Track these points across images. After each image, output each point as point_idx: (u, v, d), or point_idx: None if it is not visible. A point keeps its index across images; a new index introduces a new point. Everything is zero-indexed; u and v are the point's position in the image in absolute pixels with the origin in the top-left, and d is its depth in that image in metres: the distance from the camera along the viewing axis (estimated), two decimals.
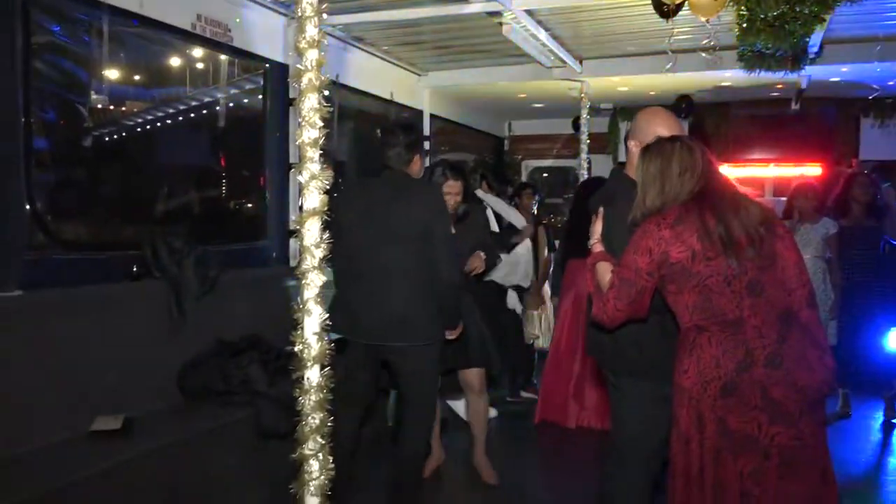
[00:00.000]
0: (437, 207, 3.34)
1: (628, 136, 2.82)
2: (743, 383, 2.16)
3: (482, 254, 4.01)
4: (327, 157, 2.58)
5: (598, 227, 2.63)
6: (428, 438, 3.61)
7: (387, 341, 3.30)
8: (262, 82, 4.98)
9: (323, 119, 2.48)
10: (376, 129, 6.65)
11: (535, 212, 6.05)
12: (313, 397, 2.43)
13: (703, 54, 4.57)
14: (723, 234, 2.21)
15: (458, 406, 5.03)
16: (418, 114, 7.04)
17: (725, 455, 2.19)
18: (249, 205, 5.24)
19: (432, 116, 7.23)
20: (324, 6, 2.47)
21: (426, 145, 7.06)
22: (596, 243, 2.60)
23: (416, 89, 6.95)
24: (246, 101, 5.17)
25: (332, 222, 3.62)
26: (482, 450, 4.21)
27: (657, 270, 2.27)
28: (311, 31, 2.44)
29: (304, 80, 2.44)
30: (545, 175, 9.60)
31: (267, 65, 4.90)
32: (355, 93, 5.94)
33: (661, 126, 2.68)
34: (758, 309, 2.18)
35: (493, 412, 5.17)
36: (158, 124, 4.59)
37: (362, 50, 5.93)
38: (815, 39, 4.93)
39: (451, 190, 3.93)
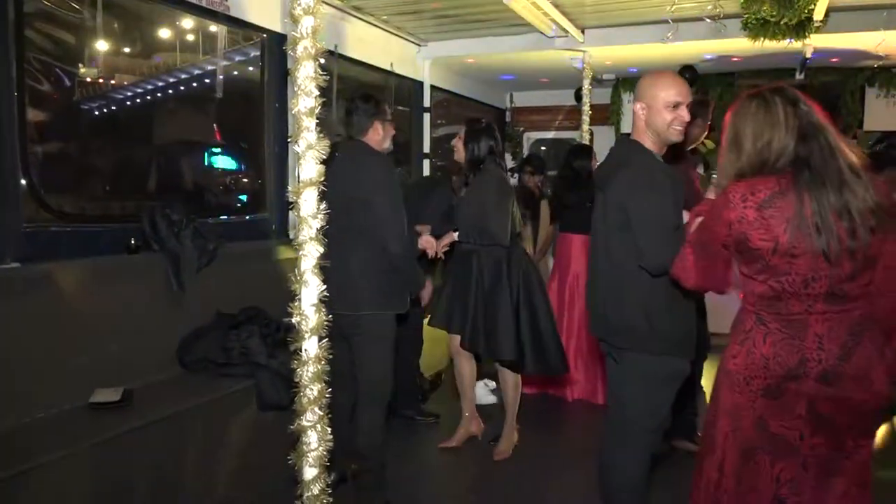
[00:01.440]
0: (379, 178, 3.34)
1: (634, 99, 2.78)
2: (789, 392, 1.99)
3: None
4: (324, 127, 2.56)
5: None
6: (380, 423, 3.47)
7: (335, 309, 3.17)
8: (259, 52, 4.92)
9: (319, 88, 2.45)
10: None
11: (538, 189, 6.02)
12: (311, 368, 2.43)
13: (708, 20, 4.49)
14: (819, 224, 1.91)
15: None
16: (418, 85, 6.96)
17: (762, 456, 2.05)
18: (248, 177, 5.21)
19: (433, 88, 7.16)
20: None
21: (425, 117, 7.02)
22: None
23: (416, 60, 6.87)
24: (244, 71, 5.11)
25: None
26: (511, 420, 4.29)
27: (733, 246, 2.04)
28: None
29: (300, 48, 2.40)
30: (542, 148, 9.51)
31: (265, 35, 4.83)
32: (354, 63, 5.86)
33: (664, 88, 2.64)
34: (828, 317, 1.96)
35: (492, 398, 5.19)
36: (156, 96, 4.56)
37: (361, 20, 5.85)
38: (820, 7, 4.85)
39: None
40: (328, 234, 3.36)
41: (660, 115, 2.64)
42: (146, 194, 4.24)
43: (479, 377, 5.14)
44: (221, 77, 4.75)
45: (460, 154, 4.18)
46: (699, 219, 2.25)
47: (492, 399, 5.20)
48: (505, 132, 9.46)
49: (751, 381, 2.04)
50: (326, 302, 3.34)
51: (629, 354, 2.68)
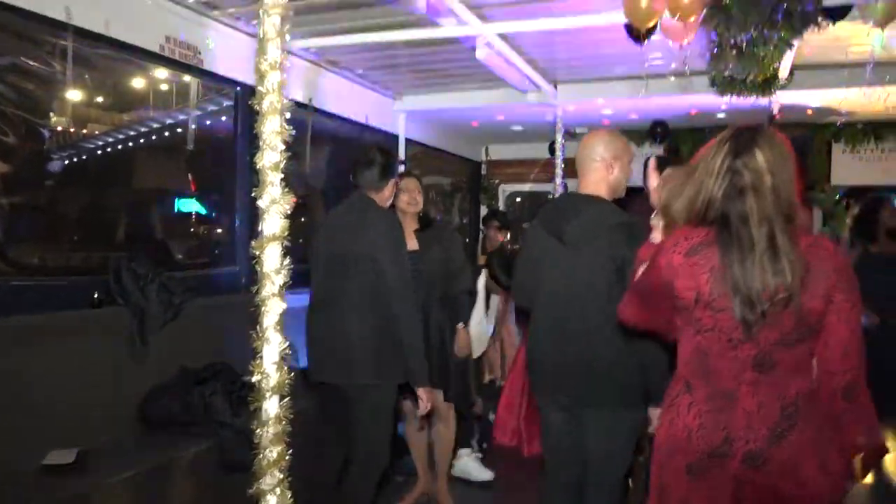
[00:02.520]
0: (386, 235, 3.23)
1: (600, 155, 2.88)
2: (713, 470, 1.80)
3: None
4: (291, 180, 2.53)
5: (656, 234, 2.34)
6: (370, 494, 3.35)
7: (332, 378, 3.23)
8: (233, 105, 4.92)
9: (291, 140, 2.43)
10: (350, 153, 6.63)
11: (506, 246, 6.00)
12: (271, 429, 2.34)
13: (672, 78, 4.57)
14: (739, 284, 1.75)
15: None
16: (393, 138, 7.00)
17: None
18: (218, 230, 5.15)
19: (407, 141, 7.19)
20: (286, 28, 2.40)
21: (401, 169, 7.03)
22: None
23: (391, 113, 6.91)
24: (216, 123, 5.10)
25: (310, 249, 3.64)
26: (443, 479, 4.12)
27: (669, 296, 1.89)
28: (274, 52, 2.38)
29: (266, 102, 2.38)
30: (517, 200, 9.57)
31: (238, 88, 4.84)
32: (329, 116, 5.88)
33: (598, 147, 2.81)
34: (758, 390, 1.77)
35: (487, 474, 4.88)
36: (125, 147, 4.52)
37: (336, 73, 5.89)
38: (785, 65, 4.96)
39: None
40: (323, 293, 3.31)
41: (625, 171, 2.69)
42: (113, 247, 4.17)
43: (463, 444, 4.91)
44: (193, 128, 4.74)
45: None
46: (644, 264, 2.13)
47: (487, 476, 4.86)
48: (481, 185, 9.51)
49: (673, 455, 1.86)
50: (319, 369, 3.29)
51: (622, 410, 2.72)
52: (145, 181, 4.73)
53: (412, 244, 3.90)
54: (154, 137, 4.75)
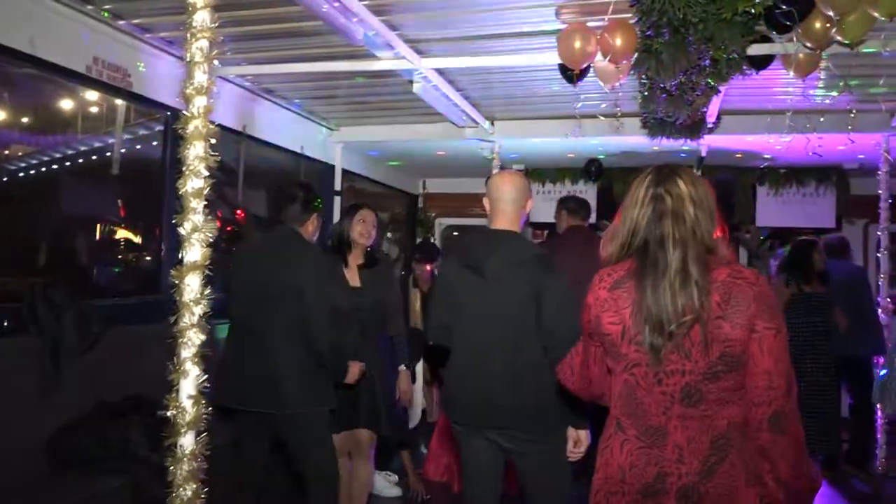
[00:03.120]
0: (314, 269, 3.31)
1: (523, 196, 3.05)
2: None
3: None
4: (223, 208, 2.48)
5: None
6: None
7: (260, 406, 3.26)
8: (162, 130, 4.80)
9: (210, 169, 2.37)
10: (283, 183, 6.54)
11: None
12: (186, 466, 2.24)
13: (602, 117, 4.68)
14: (650, 316, 1.77)
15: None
16: (329, 168, 6.94)
17: None
18: (144, 257, 4.98)
19: (344, 172, 7.15)
20: (215, 52, 2.36)
21: (336, 201, 6.98)
22: None
23: (328, 144, 6.87)
24: (145, 148, 4.96)
25: (229, 278, 3.56)
26: None
27: (596, 334, 1.89)
28: (200, 77, 2.33)
29: (191, 126, 2.32)
30: (455, 233, 9.60)
31: (168, 112, 4.72)
32: (263, 144, 5.80)
33: (513, 189, 2.94)
34: (687, 424, 1.75)
35: (396, 490, 5.04)
36: (46, 170, 4.35)
37: (272, 102, 5.83)
38: (713, 110, 5.14)
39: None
40: (245, 322, 3.28)
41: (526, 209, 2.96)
42: (30, 273, 3.98)
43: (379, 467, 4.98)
44: (120, 152, 4.60)
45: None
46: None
47: (395, 492, 5.01)
48: (417, 218, 9.51)
49: (610, 498, 1.82)
50: (240, 397, 3.23)
51: (557, 438, 2.80)
52: (68, 206, 4.55)
53: (354, 280, 3.87)
54: (79, 161, 4.58)
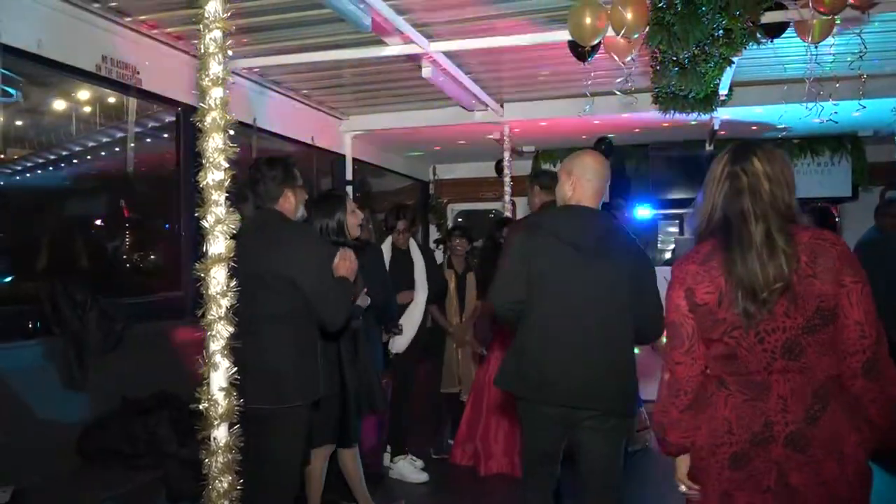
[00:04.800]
0: (305, 252, 3.00)
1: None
2: (757, 458, 1.86)
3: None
4: (236, 200, 2.45)
5: None
6: None
7: (255, 402, 2.84)
8: (175, 125, 4.80)
9: (233, 161, 2.36)
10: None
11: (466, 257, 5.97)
12: (220, 458, 2.25)
13: (618, 92, 4.63)
14: (742, 284, 1.87)
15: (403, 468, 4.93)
16: (341, 158, 6.93)
17: None
18: (162, 254, 5.00)
19: (355, 161, 7.13)
20: (228, 42, 2.35)
21: (349, 190, 6.97)
22: None
23: (338, 133, 6.85)
24: (157, 145, 4.97)
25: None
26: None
27: (692, 308, 1.97)
28: (215, 68, 2.32)
29: (208, 119, 2.31)
30: (460, 219, 9.58)
31: (179, 108, 4.72)
32: (274, 136, 5.79)
33: (601, 166, 2.96)
34: (790, 376, 1.86)
35: (424, 476, 5.02)
36: (60, 170, 4.36)
37: (281, 94, 5.82)
38: (725, 81, 5.08)
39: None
40: (241, 319, 3.13)
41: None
42: (48, 273, 4.00)
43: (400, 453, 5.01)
44: (132, 149, 4.60)
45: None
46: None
47: (423, 477, 5.00)
48: (429, 204, 9.50)
49: (717, 450, 1.92)
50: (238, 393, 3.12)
51: (523, 403, 2.89)
52: (83, 206, 4.56)
53: None
54: (91, 159, 4.59)
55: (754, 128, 7.14)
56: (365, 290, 3.65)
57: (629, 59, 4.14)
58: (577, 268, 2.78)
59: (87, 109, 4.48)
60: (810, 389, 1.86)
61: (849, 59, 4.37)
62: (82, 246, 4.43)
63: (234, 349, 3.03)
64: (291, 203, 3.16)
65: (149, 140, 4.88)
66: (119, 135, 4.63)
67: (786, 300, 1.86)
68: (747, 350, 1.89)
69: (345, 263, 3.15)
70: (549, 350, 2.79)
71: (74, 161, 4.50)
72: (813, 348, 1.86)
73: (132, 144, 4.63)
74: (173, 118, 4.78)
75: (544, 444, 2.89)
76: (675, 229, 8.36)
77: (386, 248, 5.14)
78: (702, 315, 1.96)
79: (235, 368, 2.32)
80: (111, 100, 4.49)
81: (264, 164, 3.19)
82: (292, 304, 2.95)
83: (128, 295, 4.36)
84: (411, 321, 5.07)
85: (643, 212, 8.27)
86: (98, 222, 4.63)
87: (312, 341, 3.06)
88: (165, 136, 4.86)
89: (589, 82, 5.05)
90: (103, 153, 4.66)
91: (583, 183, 2.91)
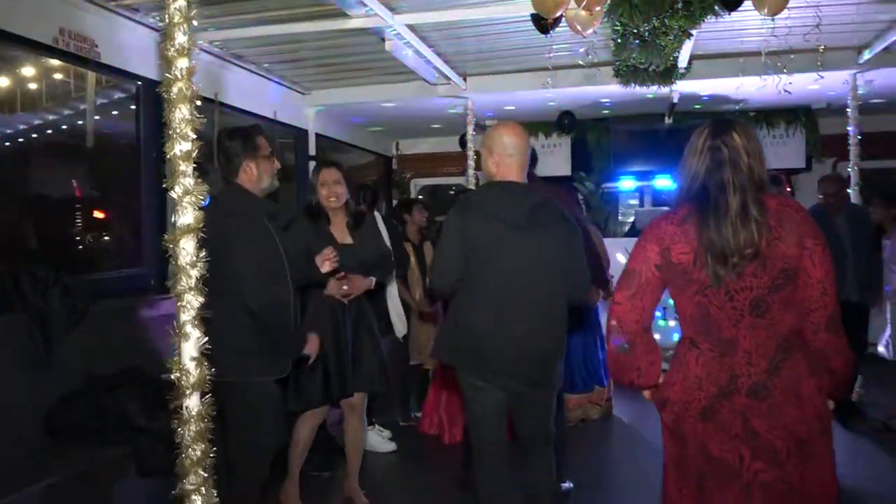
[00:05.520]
0: (237, 224, 2.93)
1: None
2: (723, 409, 2.03)
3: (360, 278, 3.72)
4: (206, 178, 2.43)
5: None
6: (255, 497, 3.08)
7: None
8: (134, 99, 4.73)
9: (196, 131, 2.35)
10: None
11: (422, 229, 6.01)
12: (193, 427, 2.27)
13: (581, 62, 4.69)
14: (713, 248, 2.01)
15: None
16: (303, 133, 6.89)
17: (709, 483, 2.05)
18: (123, 230, 4.95)
19: (318, 136, 7.10)
20: (192, 13, 2.33)
21: (311, 166, 6.94)
22: None
23: (300, 108, 6.80)
24: (117, 120, 4.89)
25: None
26: (355, 476, 4.01)
27: (663, 265, 2.10)
28: (181, 38, 2.30)
29: (174, 89, 2.29)
30: (421, 196, 9.59)
31: (139, 82, 4.65)
32: (235, 111, 5.73)
33: (522, 140, 2.97)
34: (756, 332, 2.01)
35: (391, 445, 5.09)
36: (17, 145, 4.28)
37: (242, 67, 5.75)
38: (684, 55, 5.16)
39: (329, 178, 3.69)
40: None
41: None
42: (8, 250, 3.94)
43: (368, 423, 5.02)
44: (92, 125, 4.53)
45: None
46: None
47: (390, 447, 5.08)
48: (392, 179, 9.50)
49: (689, 405, 2.08)
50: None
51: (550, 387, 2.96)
52: (42, 180, 4.48)
53: (345, 238, 3.74)
54: (50, 134, 4.51)
55: (712, 100, 7.26)
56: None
57: (591, 32, 4.19)
58: (510, 243, 2.84)
59: (44, 83, 4.39)
60: (774, 343, 2.01)
61: (804, 31, 4.48)
62: (43, 222, 4.36)
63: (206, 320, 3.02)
64: (253, 174, 3.08)
65: (109, 116, 4.80)
66: (80, 113, 4.55)
67: (754, 262, 2.00)
68: (718, 307, 2.03)
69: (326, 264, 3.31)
70: (484, 323, 2.85)
71: (34, 136, 4.41)
72: (777, 305, 2.01)
73: (91, 122, 4.56)
74: (133, 94, 4.71)
75: (485, 414, 2.96)
76: (635, 201, 8.47)
77: None
78: (676, 273, 2.09)
79: (206, 339, 2.33)
80: (74, 74, 4.40)
81: (224, 135, 3.14)
82: (228, 276, 2.84)
83: (90, 271, 4.32)
84: (393, 301, 5.10)
85: (663, 181, 8.27)
86: (58, 198, 4.55)
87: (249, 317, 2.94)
88: (125, 113, 4.78)
89: (551, 55, 5.09)
90: (63, 127, 4.58)
91: (505, 160, 2.94)
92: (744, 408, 2.01)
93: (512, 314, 2.83)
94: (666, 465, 2.20)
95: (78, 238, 4.65)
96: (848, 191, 5.75)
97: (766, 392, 1.99)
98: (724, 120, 2.17)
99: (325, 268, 3.33)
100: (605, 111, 7.88)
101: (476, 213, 2.90)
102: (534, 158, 4.46)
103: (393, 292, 5.06)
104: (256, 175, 3.09)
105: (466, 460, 4.19)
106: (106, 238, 4.93)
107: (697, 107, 7.50)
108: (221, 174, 3.17)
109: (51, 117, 4.45)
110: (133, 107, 4.78)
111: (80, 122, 4.57)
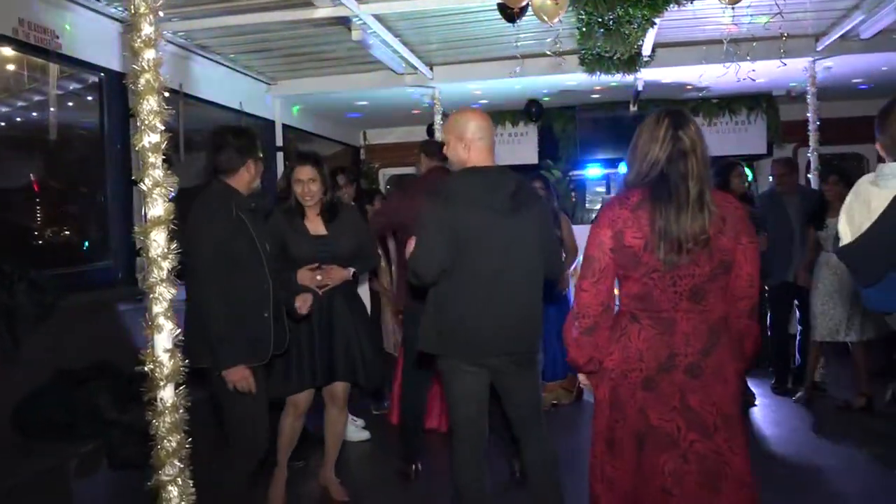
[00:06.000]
0: (197, 223, 2.98)
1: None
2: (663, 382, 2.21)
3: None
4: (173, 170, 2.42)
5: None
6: (236, 482, 3.14)
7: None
8: (97, 91, 4.66)
9: (164, 122, 2.34)
10: (215, 131, 6.42)
11: None
12: (168, 419, 2.27)
13: (547, 51, 4.73)
14: (662, 233, 2.16)
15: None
16: (269, 124, 6.85)
17: (649, 447, 2.22)
18: (89, 224, 4.88)
19: (284, 127, 7.06)
20: (158, 3, 2.32)
21: (278, 157, 6.91)
22: None
23: (267, 99, 6.76)
24: (81, 112, 4.82)
25: None
26: (332, 467, 4.01)
27: (616, 248, 2.23)
28: (147, 29, 2.29)
29: (142, 81, 2.28)
30: (389, 186, 9.59)
31: (102, 74, 4.59)
32: (201, 102, 5.68)
33: (487, 125, 3.00)
34: (692, 316, 2.20)
35: (365, 434, 5.11)
36: None
37: (207, 58, 5.70)
38: (648, 43, 5.24)
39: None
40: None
41: None
42: None
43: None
44: (54, 118, 4.45)
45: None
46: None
47: (364, 435, 5.10)
48: (360, 170, 9.48)
49: (628, 374, 2.25)
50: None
51: (443, 360, 2.99)
52: (3, 174, 4.41)
53: (319, 229, 3.73)
54: (9, 125, 4.42)
55: (683, 89, 7.36)
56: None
57: (557, 21, 4.23)
58: (495, 228, 2.88)
59: (10, 76, 4.31)
60: (706, 327, 2.22)
61: (765, 19, 4.58)
62: (6, 217, 4.30)
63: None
64: (251, 174, 3.16)
65: (72, 109, 4.73)
66: (42, 106, 4.47)
67: (702, 252, 2.17)
68: (661, 291, 2.21)
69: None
70: (474, 308, 2.88)
71: None
72: (712, 293, 2.22)
73: (53, 114, 4.49)
74: (96, 86, 4.64)
75: (470, 399, 2.99)
76: (602, 188, 8.56)
77: None
78: (626, 255, 2.22)
79: (179, 330, 2.33)
80: (35, 66, 4.32)
81: (230, 132, 3.19)
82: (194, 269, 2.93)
83: (56, 266, 4.26)
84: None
85: None
86: (19, 191, 4.48)
87: (250, 301, 3.04)
88: (89, 106, 4.71)
89: (518, 44, 5.13)
90: (19, 119, 4.50)
91: (476, 143, 2.96)
92: (681, 384, 2.20)
93: (499, 297, 2.88)
94: (597, 430, 2.36)
95: (39, 233, 4.58)
96: (802, 173, 5.88)
97: (699, 371, 2.20)
98: (678, 110, 2.29)
99: (303, 311, 3.44)
100: (572, 100, 7.94)
101: (459, 202, 2.91)
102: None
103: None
104: (253, 176, 3.19)
105: (406, 453, 4.30)
106: (70, 232, 4.86)
107: (656, 94, 7.60)
108: (215, 168, 3.16)
109: (4, 109, 4.37)
110: (89, 98, 4.71)
111: (37, 114, 4.49)
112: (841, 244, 2.19)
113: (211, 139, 3.22)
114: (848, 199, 2.20)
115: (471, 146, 2.96)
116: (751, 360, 2.39)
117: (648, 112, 2.40)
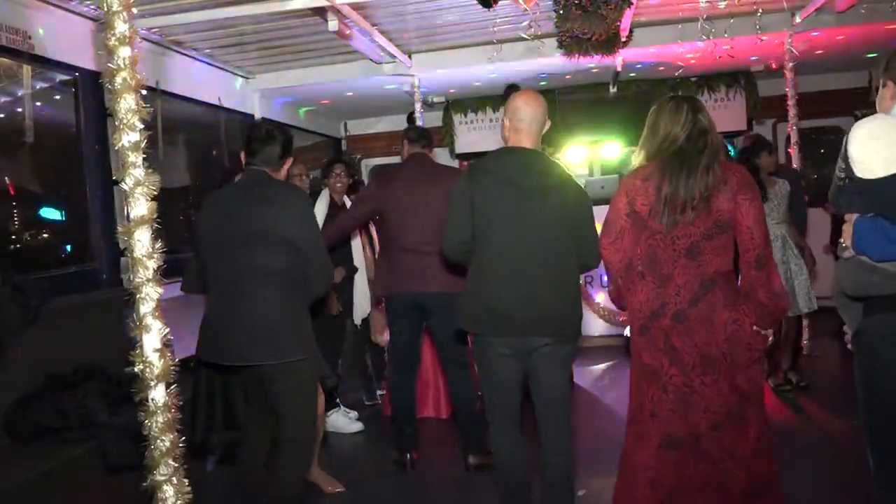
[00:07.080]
0: (303, 216, 3.15)
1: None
2: (654, 328, 2.63)
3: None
4: (152, 166, 2.40)
5: None
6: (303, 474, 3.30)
7: (252, 359, 3.00)
8: (73, 92, 4.60)
9: (143, 121, 2.32)
10: (207, 138, 6.37)
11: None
12: (160, 418, 2.27)
13: (524, 35, 4.72)
14: (668, 197, 2.56)
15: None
16: (249, 119, 6.79)
17: (641, 383, 2.68)
18: (70, 225, 4.83)
19: (264, 120, 7.00)
20: (132, 0, 2.29)
21: None
22: None
23: (245, 93, 6.70)
24: (56, 113, 4.76)
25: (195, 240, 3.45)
26: (316, 462, 4.00)
27: (630, 213, 2.66)
28: (121, 27, 2.27)
29: (118, 80, 2.26)
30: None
31: (77, 73, 4.53)
32: (179, 99, 5.62)
33: (541, 107, 3.10)
34: (687, 271, 2.58)
35: (358, 426, 5.12)
36: None
37: (183, 54, 5.64)
38: (625, 23, 5.23)
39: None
40: (223, 275, 3.06)
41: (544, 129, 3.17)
42: None
43: (333, 406, 5.02)
44: (30, 119, 4.39)
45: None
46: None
47: (357, 427, 5.11)
48: (342, 161, 9.42)
49: (633, 322, 2.73)
50: (230, 352, 3.02)
51: (482, 338, 3.00)
52: None
53: None
54: None
55: (661, 68, 7.37)
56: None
57: (534, 4, 4.23)
58: (521, 206, 2.93)
59: None
60: (699, 281, 2.58)
61: None
62: None
63: (217, 310, 3.07)
64: (284, 173, 3.32)
65: (48, 111, 4.67)
66: (16, 108, 4.41)
67: (701, 212, 2.55)
68: (663, 250, 2.62)
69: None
70: (503, 286, 2.93)
71: None
72: (708, 251, 2.58)
73: (28, 114, 4.42)
74: (71, 86, 4.59)
75: (506, 377, 3.02)
76: (584, 171, 8.55)
77: (322, 202, 4.95)
78: (636, 220, 2.66)
79: (168, 329, 2.32)
80: (8, 67, 4.25)
81: (277, 129, 3.32)
82: (286, 260, 3.04)
83: (39, 269, 4.22)
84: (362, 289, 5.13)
85: (611, 150, 8.31)
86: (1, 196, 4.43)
87: (306, 297, 3.15)
88: (64, 107, 4.65)
89: (495, 29, 5.12)
90: (2, 125, 4.44)
91: (517, 126, 3.05)
92: (667, 328, 2.60)
93: (527, 276, 2.91)
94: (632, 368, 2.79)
95: (17, 236, 4.53)
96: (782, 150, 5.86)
97: (684, 317, 2.58)
98: (692, 97, 2.80)
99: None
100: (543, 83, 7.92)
101: (487, 177, 3.01)
102: (427, 137, 4.52)
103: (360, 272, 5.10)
104: (285, 176, 3.37)
105: (400, 443, 4.31)
106: (49, 234, 4.81)
107: (635, 74, 7.60)
108: (259, 159, 3.21)
109: None
110: (62, 97, 4.65)
111: (17, 117, 4.43)
112: (866, 177, 2.14)
113: (254, 130, 3.30)
114: (862, 133, 2.18)
115: (515, 128, 3.06)
116: (766, 311, 2.59)
117: (628, 92, 2.68)
